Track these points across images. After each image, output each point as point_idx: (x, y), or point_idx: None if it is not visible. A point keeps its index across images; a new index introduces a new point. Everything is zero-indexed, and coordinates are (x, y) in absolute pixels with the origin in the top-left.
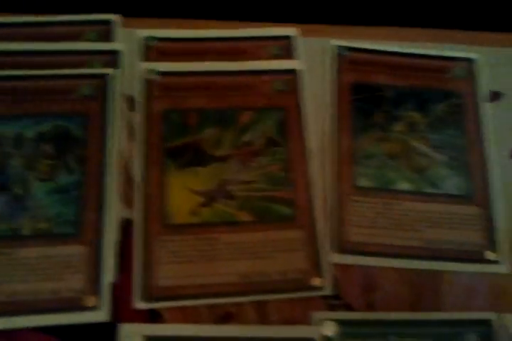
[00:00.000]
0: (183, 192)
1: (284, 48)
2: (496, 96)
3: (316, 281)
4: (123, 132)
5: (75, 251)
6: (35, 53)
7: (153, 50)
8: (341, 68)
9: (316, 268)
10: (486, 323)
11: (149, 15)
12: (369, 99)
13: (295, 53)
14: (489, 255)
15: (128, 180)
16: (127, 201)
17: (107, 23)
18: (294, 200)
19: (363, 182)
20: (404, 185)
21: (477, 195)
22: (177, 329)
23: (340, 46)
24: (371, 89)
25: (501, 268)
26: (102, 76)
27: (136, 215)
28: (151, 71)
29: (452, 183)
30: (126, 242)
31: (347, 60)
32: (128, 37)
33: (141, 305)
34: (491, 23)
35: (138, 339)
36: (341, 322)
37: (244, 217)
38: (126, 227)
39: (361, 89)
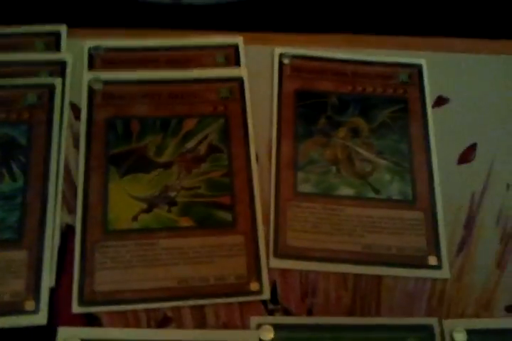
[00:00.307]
0: (125, 199)
1: (230, 56)
2: (441, 101)
3: (254, 286)
4: (68, 140)
5: (16, 256)
6: None
7: (100, 59)
8: (285, 75)
9: (255, 273)
10: (426, 328)
11: (96, 25)
12: (313, 106)
13: (240, 61)
14: (432, 260)
15: (72, 187)
16: (71, 208)
17: (54, 33)
18: (235, 206)
19: (305, 188)
20: (347, 191)
21: (421, 200)
22: (114, 333)
23: (284, 54)
24: (315, 96)
25: (443, 274)
26: (48, 85)
27: (77, 221)
28: (95, 80)
29: (395, 188)
30: (69, 248)
31: (291, 68)
32: (75, 47)
33: (78, 309)
34: (439, 27)
35: None
36: (279, 327)
37: (185, 222)
38: (67, 233)
39: (305, 95)
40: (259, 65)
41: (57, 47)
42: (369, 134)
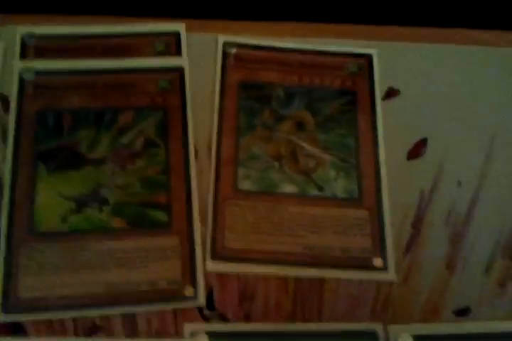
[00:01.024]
0: (53, 198)
1: (170, 45)
2: (392, 93)
3: (188, 291)
4: None
5: None
6: None
7: (32, 48)
8: (228, 65)
9: (190, 277)
10: (370, 335)
11: (32, 11)
12: (256, 98)
13: (181, 50)
14: (377, 262)
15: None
16: None
17: None
18: (171, 205)
19: (245, 185)
20: (290, 188)
21: (366, 198)
22: None
23: (227, 42)
24: (259, 88)
25: (389, 276)
26: None
27: (2, 221)
28: (27, 70)
29: (340, 185)
30: None
31: (235, 57)
32: (6, 34)
33: (2, 317)
34: (389, 16)
35: None
36: (214, 335)
37: (118, 223)
38: None
39: (249, 87)
40: (202, 54)
41: None
42: (314, 128)
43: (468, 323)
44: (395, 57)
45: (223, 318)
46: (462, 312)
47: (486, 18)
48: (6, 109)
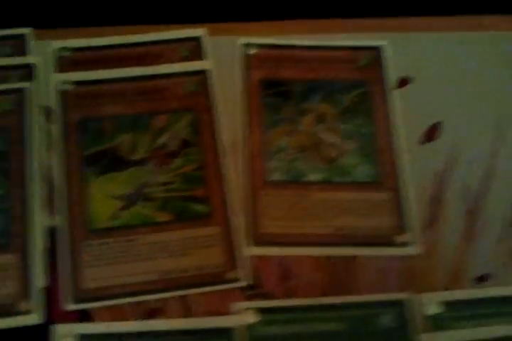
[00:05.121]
0: (103, 198)
1: (194, 49)
2: (404, 82)
3: (232, 274)
4: (42, 143)
5: (5, 260)
6: None
7: (67, 60)
8: (250, 65)
9: (232, 261)
10: (399, 304)
11: (59, 25)
12: (278, 94)
13: (204, 54)
14: (400, 238)
15: (52, 190)
16: (53, 209)
17: (20, 36)
18: (210, 198)
19: (275, 176)
20: (315, 176)
21: (387, 181)
22: (107, 327)
23: (247, 44)
24: (279, 84)
25: (413, 250)
26: (18, 90)
27: (60, 222)
28: (65, 82)
29: (362, 171)
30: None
31: (255, 57)
32: (42, 49)
33: (70, 306)
34: (397, 8)
35: (71, 338)
36: (260, 310)
37: (163, 217)
38: (54, 234)
39: (270, 84)
40: (224, 56)
41: (21, 51)
42: (334, 119)
43: (489, 288)
44: (406, 47)
45: (266, 296)
46: (482, 279)
47: (497, 3)
48: (49, 119)
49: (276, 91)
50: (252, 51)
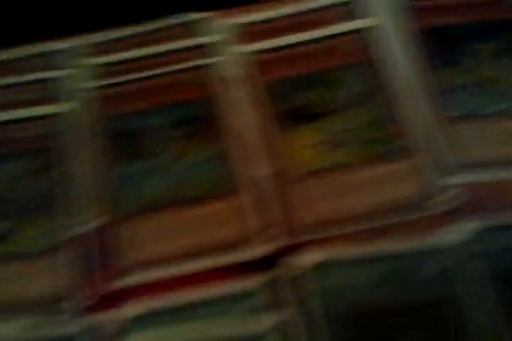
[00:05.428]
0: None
1: (349, 11)
2: None
3: (431, 202)
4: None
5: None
6: None
7: (245, 34)
8: (409, 16)
9: (426, 191)
10: None
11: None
12: (438, 41)
13: (360, 13)
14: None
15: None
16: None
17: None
18: (396, 138)
19: (457, 111)
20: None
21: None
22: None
23: None
24: (439, 31)
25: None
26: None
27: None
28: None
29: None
30: None
31: (412, 9)
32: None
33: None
34: None
35: None
36: None
37: (352, 159)
38: None
39: (431, 33)
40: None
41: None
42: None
43: None
44: None
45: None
46: None
47: None
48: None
49: (437, 39)
50: (410, 3)
